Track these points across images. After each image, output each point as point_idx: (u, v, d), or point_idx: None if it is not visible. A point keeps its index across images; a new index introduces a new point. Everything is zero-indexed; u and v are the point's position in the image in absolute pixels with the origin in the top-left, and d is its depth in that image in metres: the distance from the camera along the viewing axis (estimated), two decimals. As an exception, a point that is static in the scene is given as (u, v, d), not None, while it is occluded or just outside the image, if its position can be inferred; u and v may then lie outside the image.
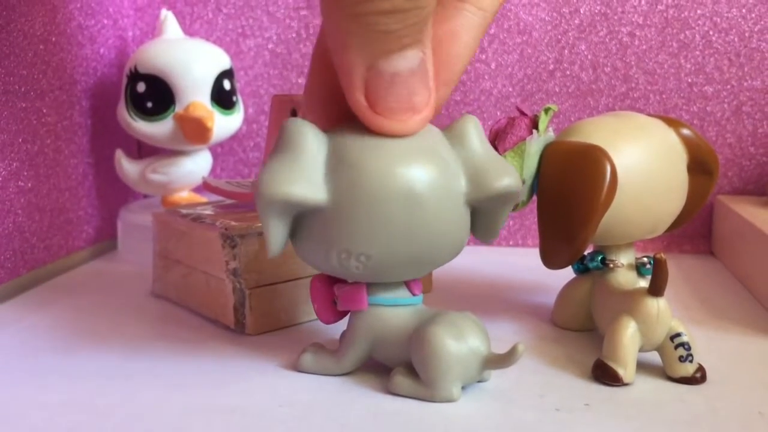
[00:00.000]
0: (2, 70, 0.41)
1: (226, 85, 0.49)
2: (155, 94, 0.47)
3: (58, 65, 0.46)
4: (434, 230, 0.29)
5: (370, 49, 0.27)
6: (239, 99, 0.51)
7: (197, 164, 0.51)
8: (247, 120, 0.57)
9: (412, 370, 0.30)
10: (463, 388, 0.30)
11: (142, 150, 0.52)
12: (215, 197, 0.48)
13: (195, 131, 0.47)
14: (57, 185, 0.47)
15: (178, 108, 0.47)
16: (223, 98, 0.49)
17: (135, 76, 0.47)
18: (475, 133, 0.30)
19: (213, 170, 0.58)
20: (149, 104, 0.47)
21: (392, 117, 0.28)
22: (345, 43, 0.27)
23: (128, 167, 0.49)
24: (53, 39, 0.46)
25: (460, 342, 0.29)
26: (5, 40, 0.41)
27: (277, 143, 0.29)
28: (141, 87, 0.47)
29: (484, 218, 0.31)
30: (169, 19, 0.50)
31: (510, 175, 0.30)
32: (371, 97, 0.28)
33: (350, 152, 0.28)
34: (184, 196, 0.51)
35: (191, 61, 0.47)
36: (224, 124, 0.49)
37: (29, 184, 0.44)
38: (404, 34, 0.27)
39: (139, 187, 0.50)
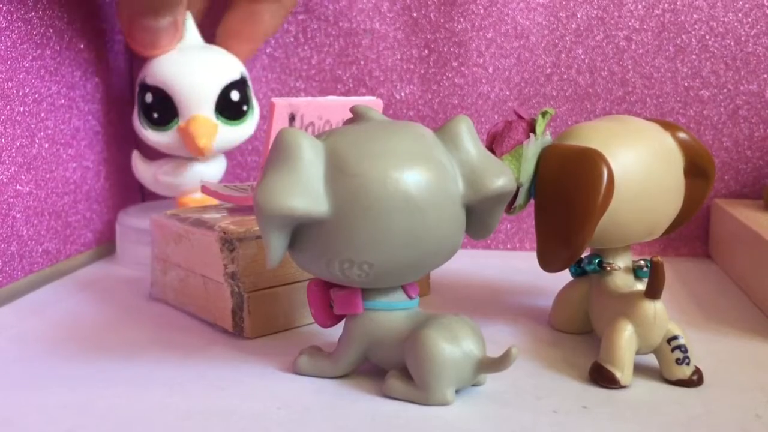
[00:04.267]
0: (1, 74, 0.41)
1: (234, 96, 0.49)
2: (160, 105, 0.47)
3: (56, 68, 0.46)
4: (434, 234, 0.29)
5: (135, 9, 0.45)
6: (253, 107, 0.51)
7: (209, 167, 0.51)
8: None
9: (406, 373, 0.30)
10: (457, 391, 0.30)
11: (149, 151, 0.52)
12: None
13: (191, 146, 0.47)
14: (55, 189, 0.47)
15: (181, 120, 0.47)
16: (229, 110, 0.49)
17: (144, 86, 0.48)
18: (467, 133, 0.30)
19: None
20: (155, 115, 0.48)
21: (144, 48, 0.47)
22: (120, 5, 0.46)
23: (142, 168, 0.50)
24: (51, 43, 0.46)
25: (453, 345, 0.29)
26: (3, 44, 0.41)
27: (272, 153, 0.28)
28: (149, 98, 0.48)
29: (478, 217, 0.31)
30: (188, 25, 0.49)
31: (504, 174, 0.30)
32: (131, 34, 0.47)
33: (349, 162, 0.28)
34: (197, 197, 0.51)
35: (195, 75, 0.47)
36: (229, 135, 0.49)
37: (27, 188, 0.44)
38: (158, 7, 0.45)
39: (153, 187, 0.51)
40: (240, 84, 0.49)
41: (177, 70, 0.47)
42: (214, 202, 0.50)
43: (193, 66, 0.47)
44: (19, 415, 0.28)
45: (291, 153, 0.28)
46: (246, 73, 0.50)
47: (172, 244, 0.41)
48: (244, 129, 0.50)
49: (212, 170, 0.51)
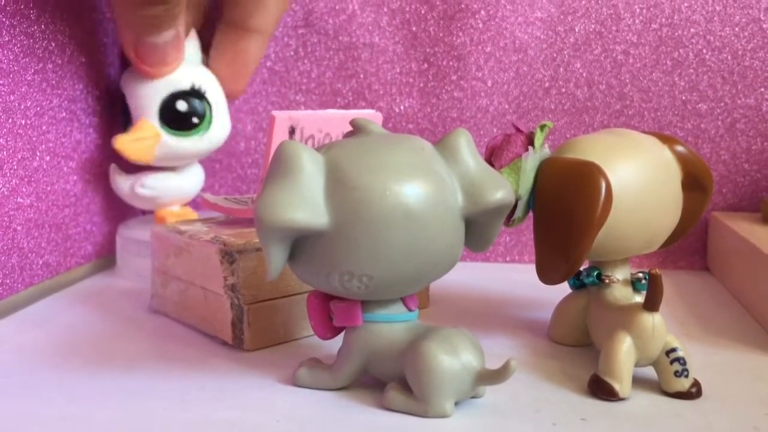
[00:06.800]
0: (3, 87, 0.41)
1: (180, 106, 0.48)
2: (123, 110, 0.49)
3: (58, 82, 0.47)
4: (434, 247, 0.29)
5: (140, 31, 0.45)
6: (211, 119, 0.49)
7: (187, 180, 0.51)
8: (245, 137, 0.57)
9: (406, 386, 0.30)
10: (456, 403, 0.30)
11: (139, 166, 0.53)
12: (207, 213, 0.48)
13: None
14: (56, 202, 0.47)
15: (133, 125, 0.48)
16: (174, 119, 0.48)
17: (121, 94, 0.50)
18: (466, 146, 0.30)
19: (211, 187, 0.58)
20: (122, 119, 0.50)
21: (152, 67, 0.47)
22: (124, 24, 0.46)
23: (120, 181, 0.50)
24: (53, 57, 0.46)
25: (453, 357, 0.29)
26: (5, 58, 0.41)
27: (272, 165, 0.29)
28: (119, 103, 0.50)
29: (477, 230, 0.31)
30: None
31: (503, 187, 0.30)
32: (140, 54, 0.46)
33: (349, 174, 0.28)
34: (176, 210, 0.51)
35: (140, 80, 0.48)
36: (176, 145, 0.48)
37: (28, 201, 0.44)
38: (162, 23, 0.45)
39: (131, 201, 0.51)
40: (189, 95, 0.48)
41: (130, 75, 0.49)
42: (193, 215, 0.50)
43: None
44: (19, 427, 0.29)
45: (291, 165, 0.28)
46: (202, 86, 0.49)
47: (172, 256, 0.41)
48: (194, 142, 0.49)
49: (190, 183, 0.51)
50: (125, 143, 0.47)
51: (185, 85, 0.48)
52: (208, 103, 0.49)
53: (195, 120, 0.49)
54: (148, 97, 0.48)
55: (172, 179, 0.50)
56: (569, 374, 0.34)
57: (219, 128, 0.50)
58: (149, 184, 0.50)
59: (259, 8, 0.50)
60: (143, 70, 0.47)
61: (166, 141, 0.48)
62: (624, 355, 0.31)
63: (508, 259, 0.56)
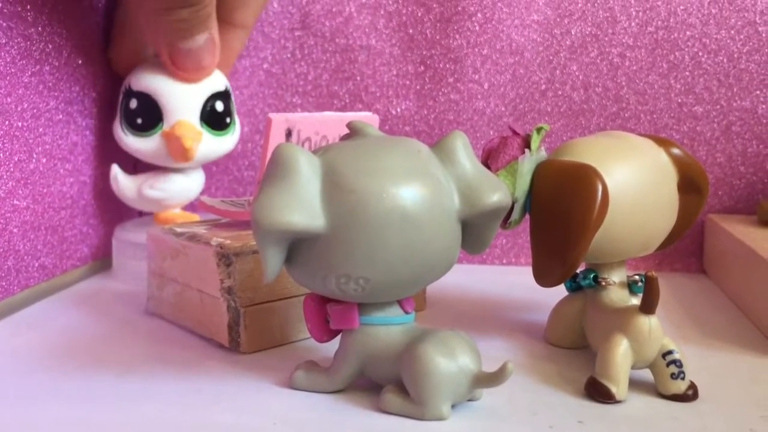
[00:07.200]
0: (0, 89, 0.41)
1: (219, 106, 0.49)
2: (145, 110, 0.48)
3: (55, 84, 0.47)
4: (430, 250, 0.29)
5: (172, 37, 0.45)
6: (235, 120, 0.51)
7: (192, 181, 0.51)
8: (242, 139, 0.57)
9: (402, 389, 0.30)
10: (453, 406, 0.30)
11: (138, 168, 0.53)
12: (209, 215, 0.48)
13: (176, 149, 0.47)
14: (52, 204, 0.47)
15: (166, 126, 0.48)
16: (214, 119, 0.49)
17: (129, 92, 0.48)
18: (463, 149, 0.30)
19: (208, 189, 0.58)
20: (139, 120, 0.48)
21: (187, 72, 0.47)
22: (156, 32, 0.45)
23: (124, 182, 0.50)
24: (50, 59, 0.46)
25: (450, 360, 0.29)
26: (2, 60, 0.41)
27: (269, 168, 0.29)
28: (133, 103, 0.48)
29: (474, 232, 0.31)
30: None
31: (500, 190, 0.30)
32: (174, 61, 0.46)
33: (345, 177, 0.28)
34: (177, 212, 0.51)
35: (178, 83, 0.48)
36: (214, 145, 0.49)
37: (24, 203, 0.44)
38: (193, 26, 0.44)
39: (135, 203, 0.51)
40: (224, 96, 0.50)
41: (163, 77, 0.48)
42: (194, 218, 0.50)
43: None
44: (14, 431, 0.28)
45: (288, 168, 0.28)
46: (230, 87, 0.51)
47: (169, 258, 0.41)
48: (228, 141, 0.50)
49: (195, 184, 0.51)
50: (194, 143, 0.47)
51: (221, 87, 0.50)
52: (233, 102, 0.51)
53: (228, 120, 0.50)
54: (189, 100, 0.48)
55: (179, 180, 0.50)
56: (566, 377, 0.34)
57: (237, 128, 0.52)
58: (159, 185, 0.49)
59: (243, 3, 0.50)
60: (180, 77, 0.48)
61: (207, 141, 0.49)
62: (620, 358, 0.31)
63: (504, 261, 0.56)
